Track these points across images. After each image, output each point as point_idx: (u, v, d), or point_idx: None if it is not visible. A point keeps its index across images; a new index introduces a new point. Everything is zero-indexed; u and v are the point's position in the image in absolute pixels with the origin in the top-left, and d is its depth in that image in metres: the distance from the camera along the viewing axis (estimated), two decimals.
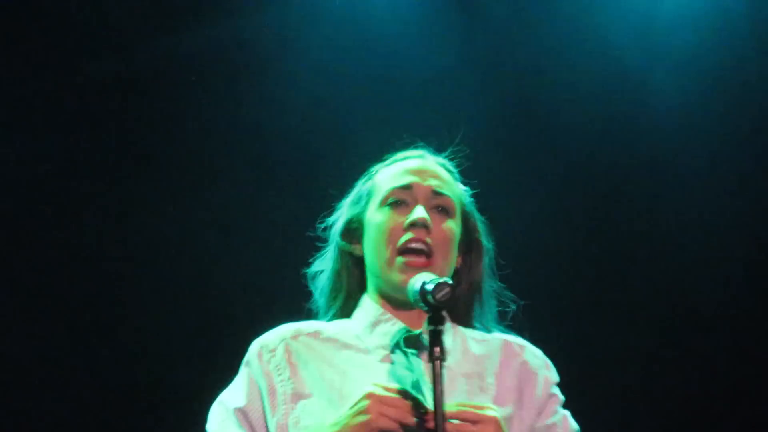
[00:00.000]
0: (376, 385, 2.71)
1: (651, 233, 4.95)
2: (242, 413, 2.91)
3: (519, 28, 4.93)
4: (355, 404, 2.69)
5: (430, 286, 2.62)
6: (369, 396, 2.66)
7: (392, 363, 2.89)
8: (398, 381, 2.85)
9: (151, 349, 4.75)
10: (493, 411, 2.71)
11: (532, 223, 4.64)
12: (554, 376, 3.02)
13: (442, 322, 2.62)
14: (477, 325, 3.06)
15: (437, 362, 2.58)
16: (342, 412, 2.76)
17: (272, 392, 2.90)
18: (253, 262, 4.56)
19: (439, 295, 2.61)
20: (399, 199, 2.95)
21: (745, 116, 4.88)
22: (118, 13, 5.05)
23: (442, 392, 2.58)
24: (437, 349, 2.58)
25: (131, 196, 4.92)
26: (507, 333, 3.10)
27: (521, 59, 4.94)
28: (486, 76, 4.91)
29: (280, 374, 2.93)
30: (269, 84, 4.86)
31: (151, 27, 5.04)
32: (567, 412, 3.03)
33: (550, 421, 2.97)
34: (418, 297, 2.69)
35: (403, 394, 2.72)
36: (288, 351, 2.93)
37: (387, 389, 2.71)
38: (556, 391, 3.02)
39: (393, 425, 2.66)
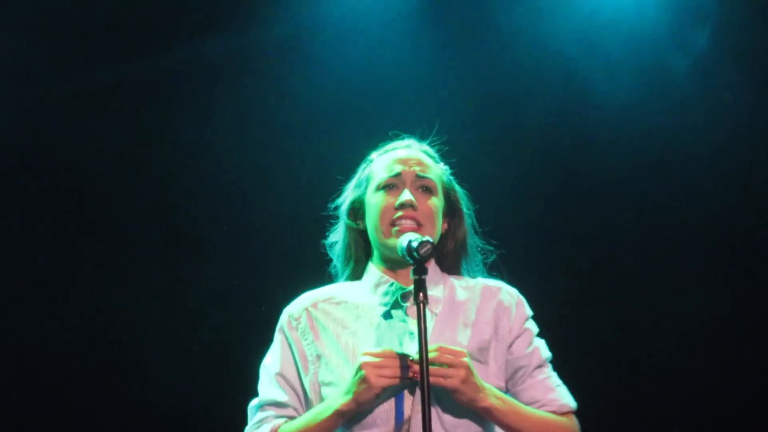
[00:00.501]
0: (367, 354, 2.96)
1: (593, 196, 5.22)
2: (282, 377, 3.17)
3: (487, 37, 5.25)
4: (356, 374, 2.95)
5: (415, 244, 2.90)
6: (363, 366, 2.90)
7: (392, 317, 3.16)
8: (396, 332, 3.13)
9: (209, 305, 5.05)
10: (466, 358, 2.95)
11: (504, 188, 4.93)
12: (527, 311, 3.27)
13: (424, 272, 2.89)
14: (465, 274, 3.34)
15: (421, 304, 2.85)
16: (350, 378, 3.01)
17: (303, 356, 3.16)
18: (284, 238, 4.83)
19: (422, 251, 2.89)
20: (390, 184, 3.21)
21: (668, 104, 5.15)
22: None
23: (425, 329, 2.83)
24: (421, 294, 2.87)
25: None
26: (488, 278, 3.37)
27: (488, 61, 5.25)
28: (460, 77, 5.24)
29: (306, 339, 3.18)
30: (290, 88, 5.15)
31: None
32: (541, 342, 3.27)
33: (522, 353, 3.23)
34: (405, 252, 2.96)
35: (392, 352, 2.97)
36: (310, 318, 3.19)
37: (377, 355, 2.95)
38: (530, 325, 3.26)
39: (390, 381, 2.92)
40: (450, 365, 2.88)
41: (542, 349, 3.22)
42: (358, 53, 5.17)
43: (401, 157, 3.25)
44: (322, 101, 5.11)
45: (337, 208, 3.38)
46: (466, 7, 5.24)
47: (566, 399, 3.19)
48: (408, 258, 2.93)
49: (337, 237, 3.37)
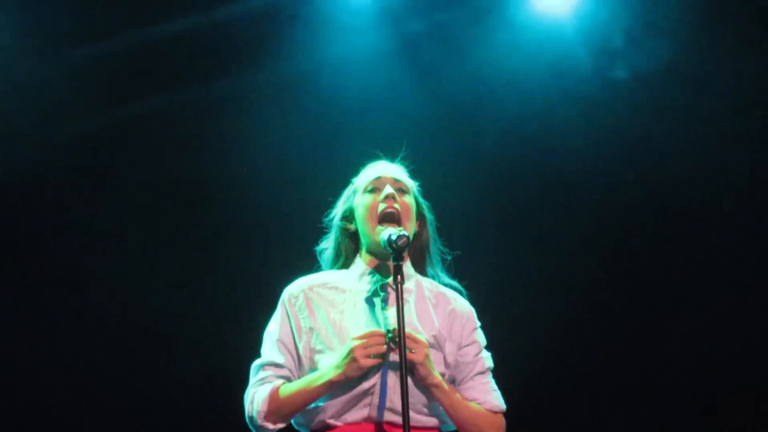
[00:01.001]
0: (356, 338, 3.11)
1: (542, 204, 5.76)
2: (281, 343, 3.31)
3: (451, 72, 5.70)
4: (347, 354, 3.10)
5: (394, 237, 3.12)
6: (353, 349, 3.07)
7: (372, 302, 3.31)
8: (374, 313, 3.28)
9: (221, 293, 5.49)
10: (426, 348, 3.13)
11: (461, 202, 5.25)
12: (477, 322, 3.43)
13: (402, 259, 3.11)
14: (429, 271, 3.49)
15: (399, 286, 3.06)
16: (339, 352, 3.14)
17: (298, 327, 3.32)
18: (284, 242, 5.13)
19: (399, 242, 3.11)
20: (374, 187, 3.40)
21: (591, 124, 5.67)
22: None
23: (402, 306, 3.03)
24: (399, 277, 3.07)
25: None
26: (448, 279, 3.52)
27: (451, 92, 5.69)
28: (424, 109, 5.67)
29: (301, 314, 3.34)
30: (295, 119, 5.57)
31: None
32: (487, 354, 3.42)
33: (470, 359, 3.38)
34: (386, 243, 3.16)
35: (376, 332, 3.11)
36: (306, 298, 3.35)
37: (364, 336, 3.10)
38: (479, 336, 3.42)
39: (375, 361, 3.09)
40: (414, 341, 3.10)
41: (487, 360, 3.39)
42: (344, 92, 5.60)
43: (380, 168, 3.50)
44: (317, 129, 5.59)
45: (329, 221, 3.56)
46: (435, 49, 5.68)
47: (498, 401, 3.35)
48: (388, 248, 3.15)
49: (327, 244, 3.54)
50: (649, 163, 5.70)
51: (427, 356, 3.12)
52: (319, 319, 3.31)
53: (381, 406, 3.17)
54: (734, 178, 5.63)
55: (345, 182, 3.61)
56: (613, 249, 5.72)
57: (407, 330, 3.06)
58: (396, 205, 3.33)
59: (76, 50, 5.41)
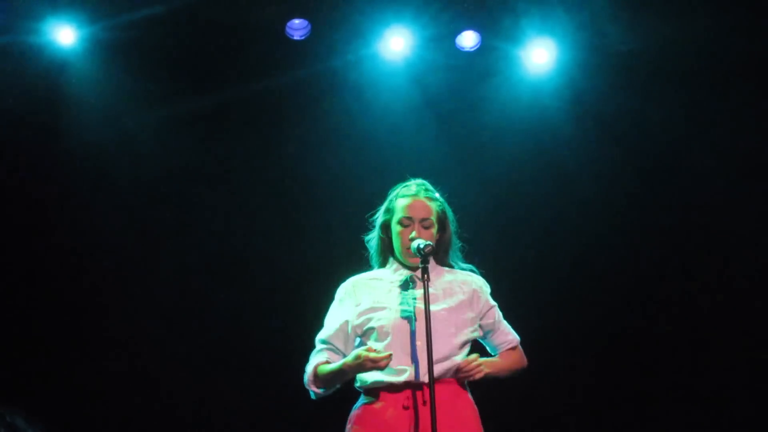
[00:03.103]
0: (368, 353, 3.42)
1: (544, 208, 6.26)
2: (334, 325, 3.70)
3: (463, 118, 6.19)
4: (356, 363, 3.43)
5: (422, 245, 3.52)
6: (363, 362, 3.39)
7: (403, 289, 3.68)
8: (404, 298, 3.63)
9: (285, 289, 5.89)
10: (479, 360, 3.50)
11: (476, 211, 5.15)
12: (489, 288, 3.83)
13: (428, 262, 3.46)
14: (452, 263, 3.83)
15: (426, 283, 3.44)
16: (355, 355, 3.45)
17: (348, 307, 3.69)
18: (340, 241, 5.14)
19: (426, 250, 3.51)
20: (406, 223, 3.73)
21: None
22: None
23: (428, 300, 3.40)
24: (426, 276, 3.45)
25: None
26: (465, 266, 3.85)
27: (463, 135, 6.21)
28: (443, 143, 6.13)
29: (350, 298, 3.73)
30: (346, 157, 6.11)
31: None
32: (499, 312, 3.85)
33: (493, 319, 3.79)
34: (416, 251, 3.54)
35: (382, 357, 3.40)
36: (353, 286, 3.75)
37: (369, 357, 3.40)
38: (493, 301, 3.81)
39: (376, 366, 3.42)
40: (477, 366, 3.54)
41: (500, 314, 3.87)
42: (383, 130, 6.14)
43: (413, 205, 3.77)
44: (365, 157, 6.09)
45: (373, 222, 3.92)
46: (450, 101, 6.16)
47: (515, 337, 3.87)
48: (418, 254, 3.55)
49: (371, 236, 3.91)
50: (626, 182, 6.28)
51: (485, 371, 3.57)
52: (364, 301, 3.72)
53: (417, 374, 3.57)
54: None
55: (385, 190, 3.99)
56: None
57: (470, 358, 3.54)
58: None
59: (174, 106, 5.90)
